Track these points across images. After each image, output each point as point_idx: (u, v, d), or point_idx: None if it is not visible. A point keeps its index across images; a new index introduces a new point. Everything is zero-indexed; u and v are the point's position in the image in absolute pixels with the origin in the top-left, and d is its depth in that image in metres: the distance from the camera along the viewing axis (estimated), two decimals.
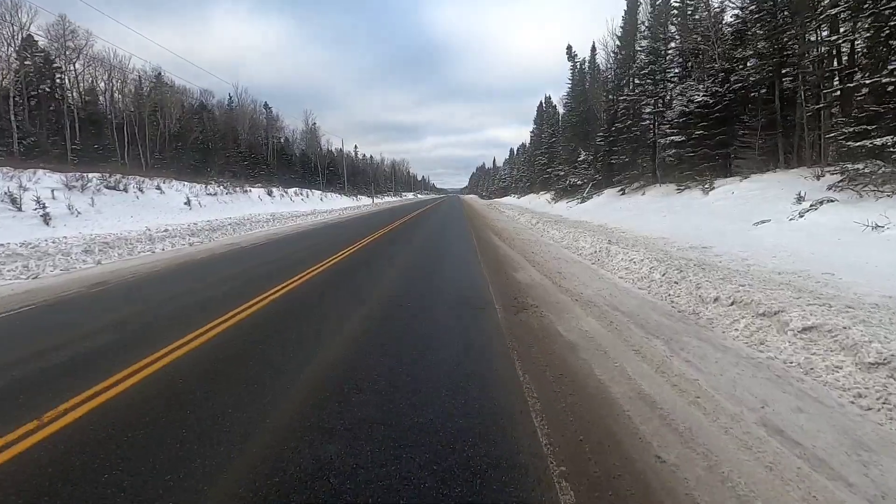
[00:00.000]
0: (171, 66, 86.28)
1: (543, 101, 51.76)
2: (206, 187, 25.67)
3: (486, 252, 10.67)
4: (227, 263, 9.33)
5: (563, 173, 31.12)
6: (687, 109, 17.37)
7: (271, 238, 14.21)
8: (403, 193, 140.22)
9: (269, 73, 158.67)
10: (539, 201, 36.38)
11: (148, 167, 35.91)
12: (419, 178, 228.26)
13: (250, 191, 30.97)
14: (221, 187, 27.43)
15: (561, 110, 43.63)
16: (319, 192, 45.67)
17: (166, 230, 15.87)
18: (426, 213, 29.09)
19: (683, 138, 17.49)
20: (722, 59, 16.90)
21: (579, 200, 26.22)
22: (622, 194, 22.80)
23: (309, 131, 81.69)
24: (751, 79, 15.11)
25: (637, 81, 22.76)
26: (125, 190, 19.36)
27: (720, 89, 16.20)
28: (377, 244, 12.23)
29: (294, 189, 40.11)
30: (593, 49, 34.04)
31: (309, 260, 9.24)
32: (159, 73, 44.58)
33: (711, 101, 16.34)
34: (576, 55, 33.04)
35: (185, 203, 21.92)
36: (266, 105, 66.05)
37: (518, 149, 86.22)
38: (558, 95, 53.09)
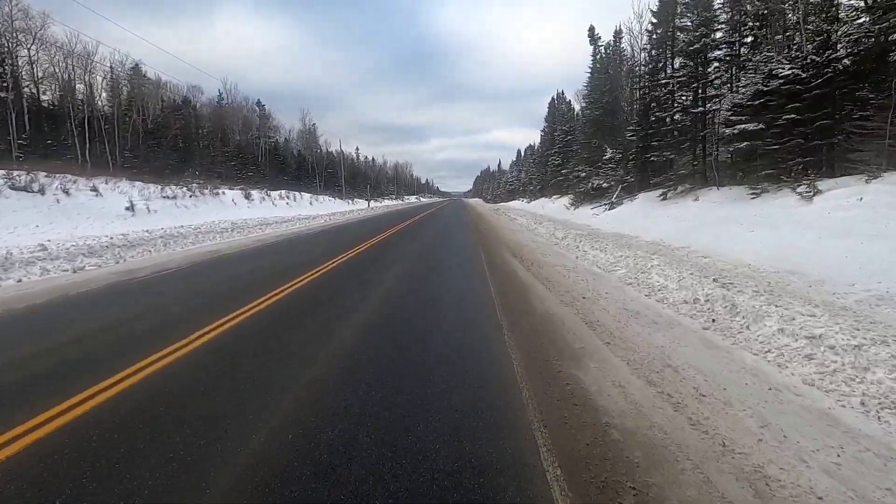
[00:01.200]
0: (159, 61, 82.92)
1: (556, 97, 47.60)
2: (162, 189, 21.63)
3: (509, 295, 6.49)
4: (82, 318, 5.15)
5: (584, 175, 26.88)
6: (764, 88, 13.10)
7: (205, 258, 10.07)
8: (406, 197, 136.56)
9: (270, 74, 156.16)
10: (554, 206, 32.13)
11: (116, 167, 32.04)
12: (423, 181, 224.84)
13: (223, 193, 26.94)
14: (185, 189, 23.40)
15: (577, 106, 39.45)
16: (310, 195, 41.65)
17: (73, 245, 11.79)
18: (425, 219, 24.93)
19: (759, 126, 13.22)
20: (810, 22, 12.66)
21: (607, 206, 21.96)
22: (663, 199, 18.54)
23: (307, 132, 78.10)
24: (869, 39, 10.84)
25: (682, 61, 18.50)
26: (41, 192, 15.32)
27: (818, 58, 11.93)
28: (336, 274, 8.04)
29: (281, 192, 36.12)
30: (617, 34, 29.86)
31: (197, 316, 5.06)
32: (136, 66, 40.84)
33: (805, 76, 12.08)
34: (598, 37, 28.86)
35: (128, 208, 17.87)
36: (259, 103, 62.45)
37: (525, 150, 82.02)
38: (573, 91, 49.00)
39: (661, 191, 18.68)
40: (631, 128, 23.22)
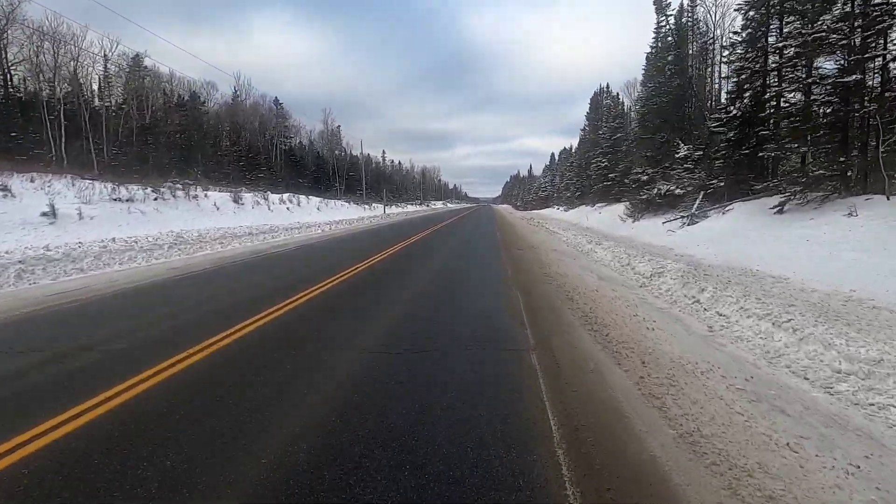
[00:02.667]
0: (175, 57, 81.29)
1: (599, 92, 41.73)
2: (114, 189, 17.31)
3: None
4: None
5: (645, 178, 21.14)
6: None
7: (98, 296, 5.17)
8: (433, 202, 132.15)
9: (303, 80, 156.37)
10: (601, 217, 26.43)
11: (102, 164, 28.45)
12: (450, 187, 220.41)
13: (204, 196, 22.60)
14: (151, 190, 19.07)
15: (626, 101, 33.56)
16: (319, 199, 37.24)
17: None
18: (445, 231, 19.87)
19: None
20: None
21: (685, 220, 16.23)
22: (778, 212, 12.75)
23: (329, 133, 74.57)
24: None
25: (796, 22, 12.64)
26: None
27: None
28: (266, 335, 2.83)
29: (283, 195, 31.76)
30: (684, 6, 23.98)
31: None
32: (137, 56, 37.63)
33: None
34: (668, 4, 22.96)
35: (46, 213, 13.48)
36: (276, 101, 59.04)
37: (560, 154, 75.99)
38: (621, 83, 43.55)
39: (779, 200, 12.84)
40: (716, 115, 17.43)
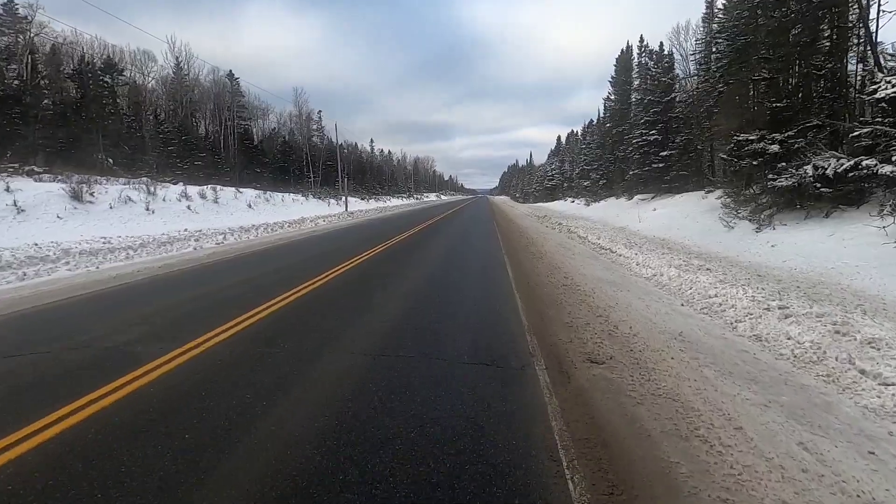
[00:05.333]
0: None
1: (628, 50, 32.06)
2: None
3: None
4: None
5: (771, 150, 11.67)
6: None
7: None
8: (426, 195, 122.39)
9: (296, 71, 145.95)
10: (666, 215, 17.08)
11: None
12: (446, 178, 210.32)
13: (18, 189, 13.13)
14: None
15: (677, 56, 23.94)
16: (257, 192, 27.63)
17: None
18: (417, 241, 10.56)
19: None
20: None
21: None
22: None
23: (304, 118, 64.55)
24: None
25: None
26: None
27: None
28: None
29: (194, 190, 22.23)
30: None
31: None
32: (9, 2, 27.82)
33: None
34: None
35: None
36: (231, 75, 49.06)
37: (568, 138, 66.34)
38: (661, 35, 34.63)
39: None
40: None
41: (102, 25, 73.67)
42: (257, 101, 58.05)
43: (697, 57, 22.35)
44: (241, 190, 26.32)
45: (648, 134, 21.76)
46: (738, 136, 12.55)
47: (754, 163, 11.50)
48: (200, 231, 15.62)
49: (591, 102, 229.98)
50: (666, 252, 10.04)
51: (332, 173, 62.24)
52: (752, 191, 11.76)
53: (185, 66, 44.04)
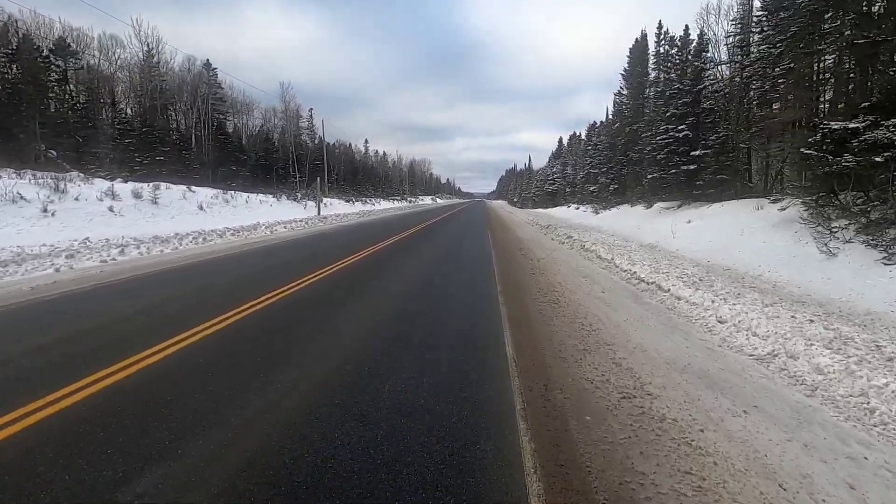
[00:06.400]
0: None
1: (642, 39, 28.54)
2: None
3: None
4: None
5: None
6: None
7: None
8: (421, 197, 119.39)
9: (296, 71, 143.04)
10: (694, 231, 13.42)
11: None
12: (443, 181, 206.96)
13: None
14: None
15: (712, 34, 20.35)
16: (218, 191, 23.87)
17: None
18: (380, 263, 6.75)
19: None
20: None
21: None
22: None
23: (291, 114, 60.82)
24: None
25: None
26: None
27: None
28: None
29: (126, 187, 18.47)
30: None
31: None
32: None
33: None
34: None
35: None
36: (207, 65, 45.32)
37: (570, 140, 62.87)
38: (686, 18, 31.03)
39: None
40: None
41: (75, 8, 69.20)
42: (243, 97, 54.49)
43: (735, 40, 18.81)
44: (192, 189, 22.50)
45: (676, 130, 18.11)
46: (828, 124, 8.89)
47: (866, 160, 7.83)
48: (108, 241, 11.84)
49: (592, 107, 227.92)
50: (758, 296, 6.34)
51: (321, 173, 58.56)
52: (863, 200, 8.11)
53: (154, 53, 40.24)
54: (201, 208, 20.91)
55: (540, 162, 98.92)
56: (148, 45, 40.03)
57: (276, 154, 53.08)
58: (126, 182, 20.85)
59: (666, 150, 18.76)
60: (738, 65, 18.28)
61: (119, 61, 39.82)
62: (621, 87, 30.12)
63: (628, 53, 29.41)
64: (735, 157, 17.16)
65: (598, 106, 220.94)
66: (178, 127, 41.42)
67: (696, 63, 18.13)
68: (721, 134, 16.84)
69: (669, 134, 18.50)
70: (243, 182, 40.44)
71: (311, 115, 64.89)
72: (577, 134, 58.81)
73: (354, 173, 78.45)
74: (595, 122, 50.20)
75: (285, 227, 19.10)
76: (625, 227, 18.60)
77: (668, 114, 18.68)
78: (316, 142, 64.83)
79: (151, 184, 20.46)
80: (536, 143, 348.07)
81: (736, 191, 16.58)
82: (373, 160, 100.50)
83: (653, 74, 26.62)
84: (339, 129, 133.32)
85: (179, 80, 43.96)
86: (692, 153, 17.45)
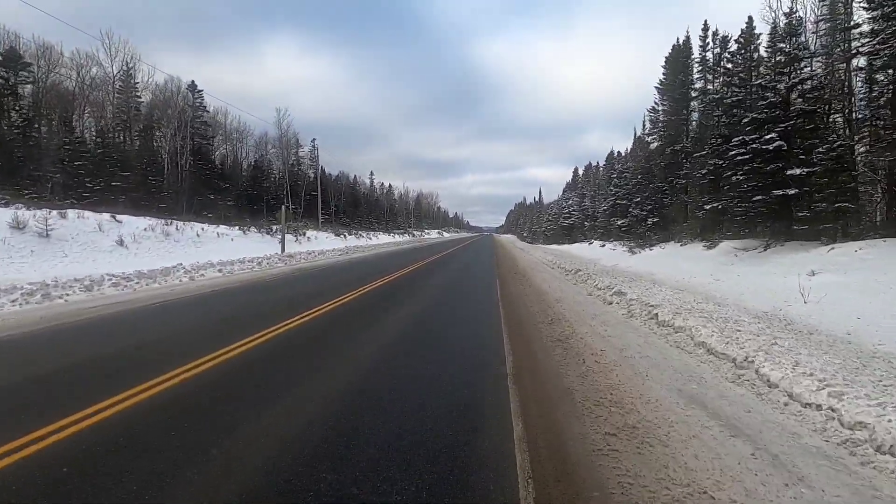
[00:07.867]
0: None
1: (685, 44, 23.93)
2: None
3: None
4: None
5: None
6: None
7: None
8: (427, 231, 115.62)
9: (312, 109, 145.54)
10: (835, 291, 8.04)
11: None
12: (451, 215, 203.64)
13: None
14: None
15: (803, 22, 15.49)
16: (148, 223, 18.95)
17: None
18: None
19: None
20: None
21: None
22: None
23: (287, 141, 56.97)
24: None
25: None
26: None
27: None
28: None
29: (7, 213, 13.68)
30: None
31: None
32: None
33: None
34: None
35: None
36: (192, 87, 41.84)
37: (585, 170, 58.19)
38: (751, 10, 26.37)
39: None
40: None
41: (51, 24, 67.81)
42: (238, 124, 51.05)
43: (825, 27, 13.86)
44: (118, 218, 17.55)
45: (761, 140, 12.86)
46: None
47: None
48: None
49: (599, 144, 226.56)
50: None
51: (326, 206, 54.12)
52: None
53: (131, 73, 36.67)
54: (121, 243, 15.88)
55: (550, 196, 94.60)
56: (127, 64, 36.61)
57: (267, 184, 48.92)
58: (31, 209, 16.02)
59: (745, 168, 13.48)
60: (840, 52, 13.20)
61: (91, 80, 36.28)
62: (655, 103, 25.38)
63: (663, 65, 24.77)
64: (855, 178, 11.80)
65: (604, 143, 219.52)
66: (152, 150, 37.30)
67: (788, 50, 13.07)
68: (835, 144, 11.56)
69: (749, 147, 13.27)
70: (222, 212, 35.89)
71: (314, 147, 60.96)
72: (595, 164, 54.18)
73: (356, 205, 74.40)
74: (613, 152, 45.55)
75: (219, 271, 13.88)
76: (688, 277, 13.08)
77: (747, 118, 13.51)
78: (318, 173, 60.88)
79: (54, 211, 15.55)
80: (546, 178, 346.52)
81: (866, 226, 11.12)
82: (378, 193, 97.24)
83: (698, 84, 21.85)
84: (346, 162, 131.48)
85: (160, 102, 40.37)
86: (788, 172, 12.12)
